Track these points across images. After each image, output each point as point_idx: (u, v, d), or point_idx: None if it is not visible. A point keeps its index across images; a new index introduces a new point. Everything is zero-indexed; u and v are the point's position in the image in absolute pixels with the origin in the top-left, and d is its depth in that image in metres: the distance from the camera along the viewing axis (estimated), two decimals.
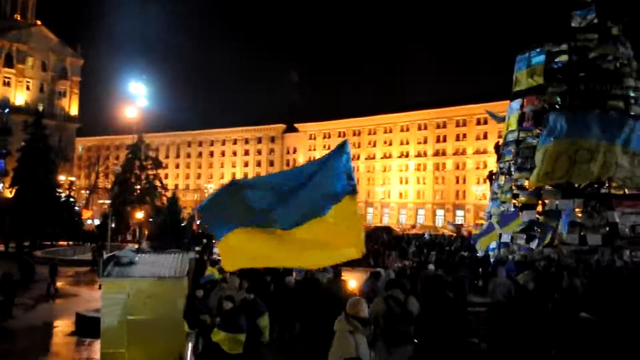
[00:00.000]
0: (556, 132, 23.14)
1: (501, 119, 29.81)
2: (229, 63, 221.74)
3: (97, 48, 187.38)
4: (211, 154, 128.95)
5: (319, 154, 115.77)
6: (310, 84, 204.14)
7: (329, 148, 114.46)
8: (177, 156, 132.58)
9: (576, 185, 24.23)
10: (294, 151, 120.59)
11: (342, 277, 11.54)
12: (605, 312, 7.20)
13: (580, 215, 23.29)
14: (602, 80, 24.91)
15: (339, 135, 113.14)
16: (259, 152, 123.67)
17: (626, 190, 24.84)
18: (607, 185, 24.42)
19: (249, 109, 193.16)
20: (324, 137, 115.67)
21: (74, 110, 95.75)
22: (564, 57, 26.06)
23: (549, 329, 6.68)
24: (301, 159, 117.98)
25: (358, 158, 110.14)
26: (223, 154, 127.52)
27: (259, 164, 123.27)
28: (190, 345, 9.87)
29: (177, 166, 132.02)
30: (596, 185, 24.55)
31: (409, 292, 7.76)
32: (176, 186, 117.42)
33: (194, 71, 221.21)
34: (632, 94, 25.38)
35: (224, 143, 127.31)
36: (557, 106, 25.45)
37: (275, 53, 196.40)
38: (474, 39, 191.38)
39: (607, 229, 22.48)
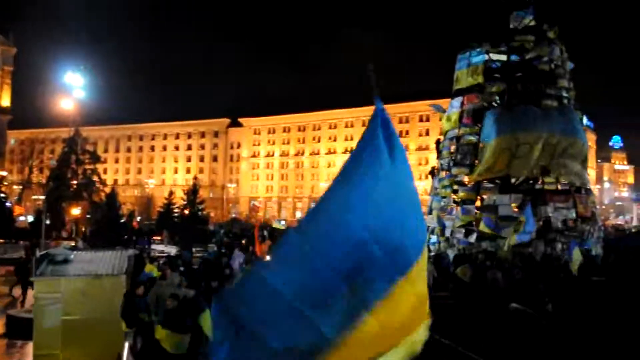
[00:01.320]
0: (497, 128, 23.99)
1: (443, 110, 30.57)
2: (171, 55, 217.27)
3: (32, 37, 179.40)
4: (152, 148, 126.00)
5: (263, 149, 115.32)
6: (255, 78, 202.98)
7: (273, 143, 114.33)
8: (117, 150, 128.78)
9: (512, 180, 25.08)
10: (238, 146, 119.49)
11: None
12: (539, 301, 7.50)
13: (516, 209, 24.12)
14: (538, 80, 25.85)
15: (284, 131, 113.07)
16: (202, 147, 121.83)
17: (558, 186, 25.97)
18: (541, 181, 25.39)
19: (192, 103, 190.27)
20: (269, 132, 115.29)
21: (5, 102, 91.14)
22: (502, 57, 26.85)
23: (481, 318, 6.87)
24: (245, 154, 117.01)
25: (302, 154, 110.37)
26: (165, 148, 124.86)
27: (202, 159, 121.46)
28: (128, 344, 9.59)
29: (117, 161, 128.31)
30: (531, 182, 25.49)
31: None
32: (115, 181, 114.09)
33: (135, 63, 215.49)
34: (565, 94, 26.49)
35: (165, 137, 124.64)
36: (495, 104, 26.23)
37: (220, 46, 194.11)
38: (418, 37, 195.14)
39: (541, 222, 23.36)
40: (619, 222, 72.03)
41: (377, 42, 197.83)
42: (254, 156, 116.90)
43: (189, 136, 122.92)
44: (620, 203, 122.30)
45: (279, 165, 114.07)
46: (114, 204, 43.39)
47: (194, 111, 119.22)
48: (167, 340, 7.83)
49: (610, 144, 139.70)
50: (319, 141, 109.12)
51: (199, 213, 53.27)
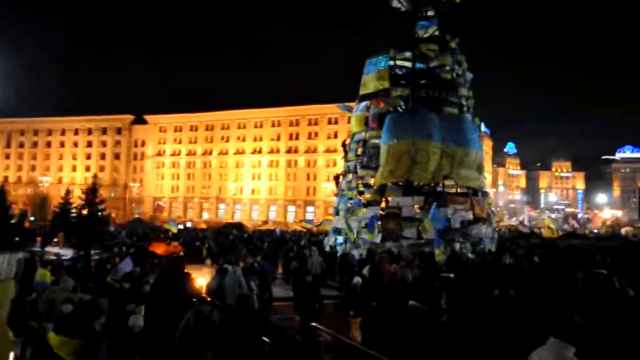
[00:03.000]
0: (397, 132, 24.88)
1: (350, 109, 31.21)
2: (69, 46, 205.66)
3: None
4: (48, 144, 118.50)
5: (169, 147, 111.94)
6: (162, 74, 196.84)
7: (180, 142, 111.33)
8: (8, 146, 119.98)
9: (415, 183, 26.03)
10: (143, 144, 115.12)
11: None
12: (435, 299, 7.81)
13: (418, 211, 25.05)
14: (440, 88, 27.07)
15: (191, 129, 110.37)
16: (104, 144, 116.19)
17: (458, 189, 27.28)
18: (442, 184, 26.55)
19: (93, 97, 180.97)
20: (175, 130, 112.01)
21: None
22: (407, 64, 27.83)
23: (384, 316, 7.03)
24: (150, 152, 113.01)
25: (210, 153, 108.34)
26: (62, 144, 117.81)
27: (103, 156, 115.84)
28: (14, 355, 8.90)
29: (8, 157, 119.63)
30: (433, 184, 26.58)
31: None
32: (6, 179, 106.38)
33: (29, 53, 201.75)
34: (464, 102, 27.91)
35: (63, 133, 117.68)
36: (400, 109, 27.12)
37: (122, 37, 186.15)
38: (328, 41, 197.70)
39: None
40: (512, 223, 76.90)
41: (290, 43, 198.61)
42: (159, 154, 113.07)
43: (89, 132, 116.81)
44: (513, 205, 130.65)
45: (186, 165, 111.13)
46: (3, 202, 40.32)
47: (95, 106, 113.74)
48: (62, 346, 7.36)
49: (505, 149, 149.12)
50: (227, 141, 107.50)
51: (99, 214, 50.66)
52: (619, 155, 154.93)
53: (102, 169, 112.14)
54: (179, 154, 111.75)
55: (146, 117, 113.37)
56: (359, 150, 28.40)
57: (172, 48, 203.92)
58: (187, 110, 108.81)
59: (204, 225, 71.53)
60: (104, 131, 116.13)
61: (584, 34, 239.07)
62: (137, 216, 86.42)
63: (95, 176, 64.25)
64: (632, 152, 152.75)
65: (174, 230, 34.07)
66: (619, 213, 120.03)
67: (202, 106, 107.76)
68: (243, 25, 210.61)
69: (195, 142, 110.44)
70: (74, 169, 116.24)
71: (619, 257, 20.17)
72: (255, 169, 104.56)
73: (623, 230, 59.68)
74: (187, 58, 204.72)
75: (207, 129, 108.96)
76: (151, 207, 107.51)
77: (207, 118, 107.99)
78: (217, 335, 6.73)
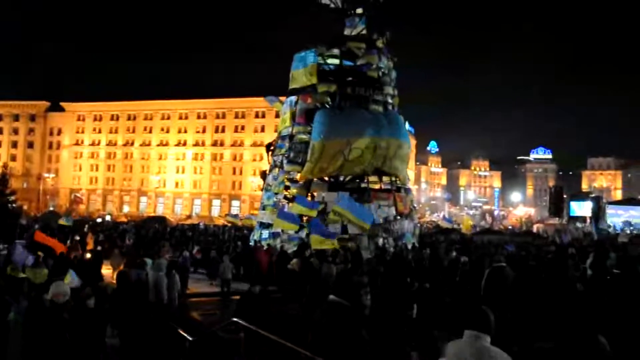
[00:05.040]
0: (330, 130, 25.01)
1: (280, 102, 31.11)
2: None
3: None
4: None
5: (88, 137, 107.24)
6: (81, 60, 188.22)
7: (99, 131, 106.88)
8: None
9: (341, 179, 26.34)
10: (59, 132, 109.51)
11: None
12: (357, 293, 7.92)
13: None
14: (367, 86, 27.49)
15: (112, 118, 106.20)
16: (16, 132, 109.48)
17: (382, 185, 27.87)
18: (366, 179, 27.03)
19: (3, 82, 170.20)
20: (95, 119, 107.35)
21: None
22: (335, 61, 28.05)
23: (307, 311, 7.05)
24: (67, 141, 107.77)
25: (132, 144, 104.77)
26: None
27: (14, 144, 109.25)
28: None
29: None
30: (357, 180, 26.99)
31: None
32: None
33: None
34: (390, 101, 28.49)
35: None
36: (327, 105, 27.30)
37: (45, 25, 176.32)
38: (264, 34, 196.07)
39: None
40: (433, 219, 79.65)
41: (217, 34, 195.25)
42: (77, 144, 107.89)
43: (0, 118, 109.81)
44: (434, 202, 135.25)
45: (106, 156, 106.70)
46: None
47: (6, 91, 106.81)
48: None
49: (428, 148, 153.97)
50: (150, 132, 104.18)
51: (10, 205, 47.70)
52: (532, 156, 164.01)
53: (13, 158, 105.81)
54: (98, 144, 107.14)
55: (63, 104, 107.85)
56: (287, 146, 28.39)
57: (96, 33, 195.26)
58: (108, 98, 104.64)
59: (124, 219, 69.11)
60: (16, 118, 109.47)
61: (502, 35, 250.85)
62: (51, 208, 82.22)
63: (5, 166, 60.41)
64: (544, 153, 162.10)
65: (69, 225, 32.79)
66: (531, 210, 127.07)
67: (124, 95, 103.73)
68: (174, 15, 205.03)
69: (116, 132, 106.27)
70: None
71: (530, 251, 21.40)
72: (179, 162, 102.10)
73: (535, 227, 63.12)
74: (107, 44, 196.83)
75: (129, 119, 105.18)
76: (67, 199, 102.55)
77: (129, 107, 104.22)
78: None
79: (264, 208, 28.73)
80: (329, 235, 18.71)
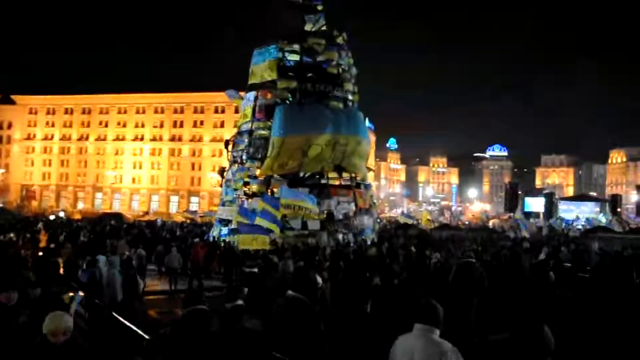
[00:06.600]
0: (290, 127, 24.98)
1: (240, 97, 30.86)
2: None
3: None
4: None
5: (40, 131, 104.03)
6: (33, 53, 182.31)
7: (52, 125, 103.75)
8: None
9: (301, 175, 26.37)
10: (9, 126, 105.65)
11: None
12: (313, 289, 7.97)
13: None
14: (327, 82, 27.57)
15: (66, 112, 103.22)
16: None
17: (341, 181, 28.03)
18: (326, 176, 27.16)
19: None
20: (48, 113, 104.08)
21: None
22: (296, 57, 28.01)
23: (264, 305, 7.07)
24: (18, 136, 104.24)
25: (87, 138, 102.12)
26: None
27: None
28: None
29: None
30: (317, 177, 27.08)
31: None
32: None
33: None
34: (350, 97, 28.67)
35: None
36: (287, 101, 27.26)
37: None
38: (224, 28, 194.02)
39: (325, 215, 24.98)
40: (392, 215, 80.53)
41: (176, 27, 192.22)
42: (28, 138, 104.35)
43: None
44: (393, 198, 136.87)
45: (59, 150, 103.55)
46: None
47: None
48: None
49: (387, 145, 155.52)
50: (106, 126, 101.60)
51: None
52: (489, 153, 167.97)
53: None
54: (51, 139, 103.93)
55: (14, 97, 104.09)
56: (246, 141, 28.24)
57: (50, 24, 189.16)
58: (62, 92, 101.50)
59: (78, 216, 67.35)
60: None
61: (459, 34, 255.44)
62: (0, 205, 79.43)
63: None
64: (500, 150, 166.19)
65: None
66: (487, 206, 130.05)
67: (79, 89, 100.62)
68: (134, 5, 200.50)
69: (70, 126, 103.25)
70: None
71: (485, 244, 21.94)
72: (136, 157, 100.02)
73: (490, 222, 64.66)
74: (66, 37, 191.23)
75: (83, 113, 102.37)
76: (19, 195, 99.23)
77: (84, 101, 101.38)
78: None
79: (223, 204, 28.52)
80: (261, 233, 18.60)
